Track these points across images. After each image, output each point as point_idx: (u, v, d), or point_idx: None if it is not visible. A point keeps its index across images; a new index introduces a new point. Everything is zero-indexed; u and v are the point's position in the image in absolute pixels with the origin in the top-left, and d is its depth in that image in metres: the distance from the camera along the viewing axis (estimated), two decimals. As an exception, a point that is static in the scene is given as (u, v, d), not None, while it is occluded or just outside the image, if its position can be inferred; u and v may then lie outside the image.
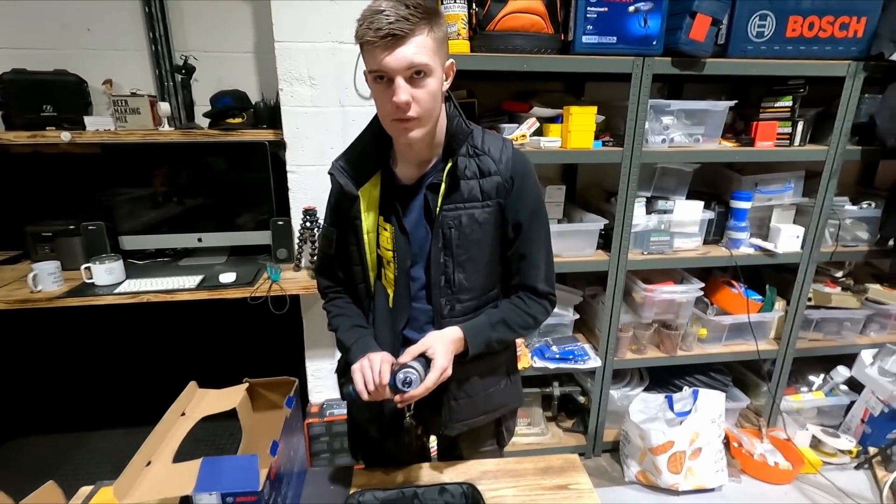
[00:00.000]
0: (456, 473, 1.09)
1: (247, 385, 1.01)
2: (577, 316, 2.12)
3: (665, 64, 1.71)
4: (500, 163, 0.95)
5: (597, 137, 1.82)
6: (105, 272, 1.71)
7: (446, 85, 0.90)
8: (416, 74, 0.82)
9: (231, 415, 0.91)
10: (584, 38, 1.64)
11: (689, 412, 2.00)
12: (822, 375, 2.35)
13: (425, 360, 0.89)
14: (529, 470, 1.12)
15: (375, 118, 0.96)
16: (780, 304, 2.14)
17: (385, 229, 0.98)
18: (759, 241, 2.02)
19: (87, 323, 2.17)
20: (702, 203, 1.97)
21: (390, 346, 1.00)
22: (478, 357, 0.99)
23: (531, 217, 0.98)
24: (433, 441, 1.25)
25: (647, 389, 2.21)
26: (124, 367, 2.30)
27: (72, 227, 1.92)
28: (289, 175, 1.85)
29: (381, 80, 0.83)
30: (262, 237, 2.01)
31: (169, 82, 2.00)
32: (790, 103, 1.87)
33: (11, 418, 2.26)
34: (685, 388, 2.12)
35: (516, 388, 1.14)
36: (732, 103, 1.86)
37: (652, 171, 1.96)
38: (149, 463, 0.81)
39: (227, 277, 1.76)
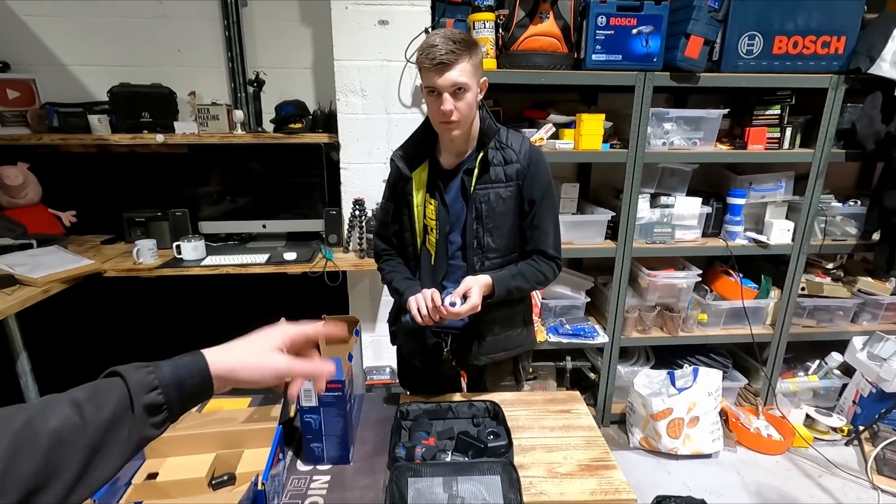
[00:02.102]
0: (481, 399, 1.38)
1: (323, 322, 1.32)
2: (589, 300, 2.39)
3: (664, 78, 1.99)
4: (519, 153, 1.25)
5: (606, 140, 2.11)
6: (192, 249, 2.07)
7: (480, 96, 1.21)
8: (458, 90, 1.13)
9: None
10: (594, 56, 1.94)
11: (689, 387, 2.23)
12: (817, 361, 2.55)
13: (464, 297, 1.19)
14: (539, 400, 1.40)
15: (426, 120, 1.28)
16: (774, 293, 2.37)
17: (430, 203, 1.29)
18: (753, 234, 2.26)
19: (163, 295, 2.55)
20: (700, 199, 2.22)
21: None
22: (501, 304, 1.29)
23: (542, 195, 1.27)
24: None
25: (652, 368, 2.45)
26: (193, 334, 2.67)
27: (159, 213, 2.30)
28: (341, 171, 2.19)
29: (432, 93, 1.15)
30: (316, 225, 2.36)
31: (242, 94, 2.38)
32: (779, 111, 2.12)
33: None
34: (686, 366, 2.36)
35: (530, 334, 1.43)
36: (725, 111, 2.12)
37: (656, 170, 2.23)
38: (262, 364, 1.13)
39: (290, 256, 2.10)
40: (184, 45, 2.34)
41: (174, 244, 2.10)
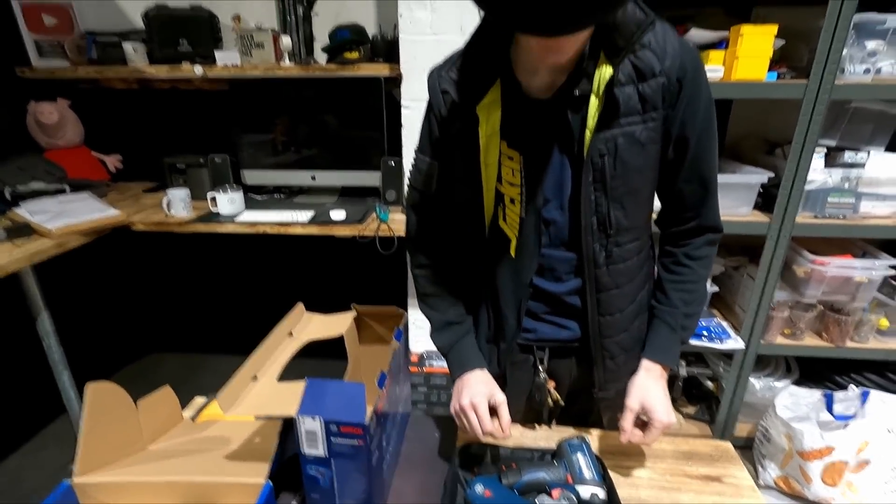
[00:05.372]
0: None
1: (354, 313, 0.93)
2: (716, 289, 1.81)
3: (885, -35, 1.30)
4: (663, 57, 0.67)
5: (770, 68, 1.47)
6: (228, 202, 1.77)
7: None
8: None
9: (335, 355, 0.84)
10: (773, -66, 1.30)
11: (854, 416, 1.64)
12: None
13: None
14: (668, 452, 0.93)
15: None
16: None
17: (511, 158, 0.75)
18: None
19: (211, 249, 2.33)
20: (908, 157, 1.53)
21: (514, 297, 0.85)
22: (634, 316, 0.85)
23: (703, 130, 0.73)
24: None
25: (796, 384, 1.85)
26: (241, 293, 2.46)
27: (200, 160, 2.01)
28: (403, 110, 1.75)
29: None
30: (373, 178, 1.96)
31: (291, 17, 1.97)
32: None
33: (150, 335, 2.52)
34: (851, 386, 1.74)
35: None
36: (979, 20, 1.39)
37: (842, 114, 1.56)
38: (255, 378, 0.75)
39: (338, 215, 1.73)
40: (226, -43, 1.97)
41: (208, 195, 1.81)
